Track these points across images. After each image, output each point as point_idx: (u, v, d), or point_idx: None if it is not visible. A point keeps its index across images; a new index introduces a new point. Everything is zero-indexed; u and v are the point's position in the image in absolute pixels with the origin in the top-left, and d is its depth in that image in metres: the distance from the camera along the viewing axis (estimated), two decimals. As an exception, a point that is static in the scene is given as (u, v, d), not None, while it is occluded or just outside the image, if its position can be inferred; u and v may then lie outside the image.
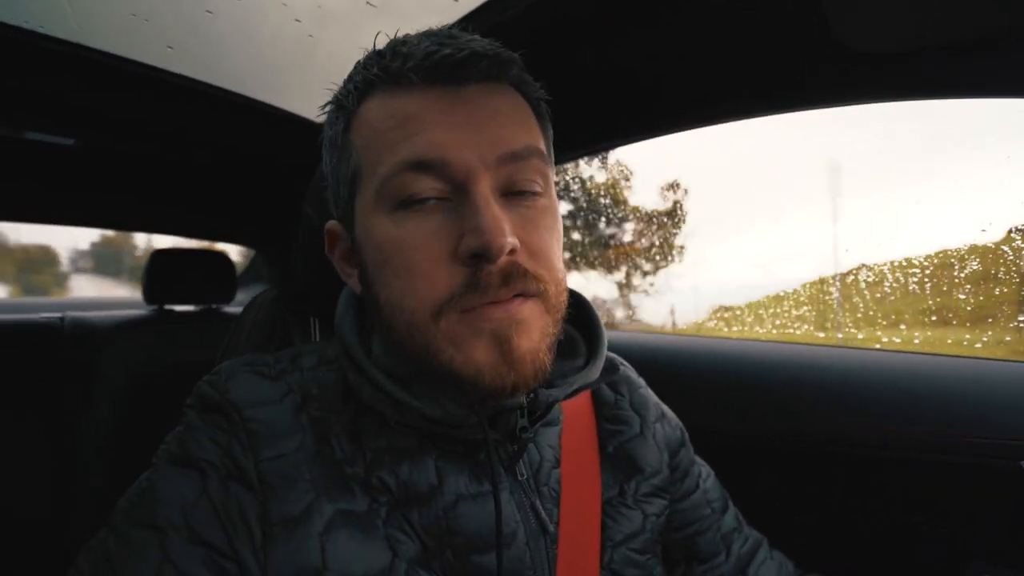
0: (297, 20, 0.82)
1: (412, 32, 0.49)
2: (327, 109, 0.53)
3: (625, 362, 0.68)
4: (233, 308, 1.71)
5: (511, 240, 0.42)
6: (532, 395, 0.47)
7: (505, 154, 0.44)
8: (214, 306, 1.61)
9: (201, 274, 1.54)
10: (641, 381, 0.67)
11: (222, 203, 1.58)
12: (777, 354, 1.02)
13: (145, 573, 0.40)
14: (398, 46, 0.46)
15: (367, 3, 0.76)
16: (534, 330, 0.44)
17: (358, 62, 0.49)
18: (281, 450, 0.44)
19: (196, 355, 1.49)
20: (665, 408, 0.67)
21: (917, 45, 0.57)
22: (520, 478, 0.51)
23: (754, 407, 0.95)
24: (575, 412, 0.59)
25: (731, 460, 0.74)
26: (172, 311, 1.55)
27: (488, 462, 0.46)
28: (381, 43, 0.49)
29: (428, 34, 0.47)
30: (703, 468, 0.67)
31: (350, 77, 0.50)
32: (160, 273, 1.48)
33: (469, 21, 0.78)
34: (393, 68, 0.44)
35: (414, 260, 0.43)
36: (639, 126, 0.95)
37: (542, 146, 0.48)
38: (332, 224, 0.54)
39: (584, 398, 0.61)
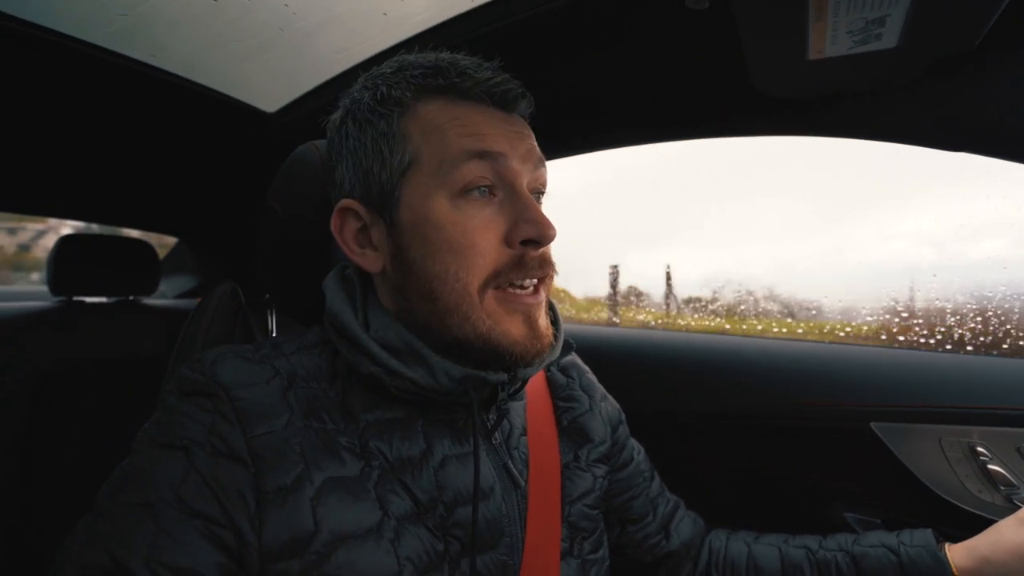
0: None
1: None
2: (358, 93, 0.56)
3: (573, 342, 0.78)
4: (154, 300, 1.60)
5: (555, 231, 0.53)
6: (512, 372, 0.55)
7: (538, 161, 0.56)
8: (132, 298, 1.51)
9: (119, 263, 1.43)
10: (587, 368, 0.78)
11: (154, 191, 1.47)
12: (685, 343, 1.17)
13: (141, 546, 0.41)
14: (458, 66, 0.54)
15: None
16: (545, 310, 0.56)
17: (404, 64, 0.56)
18: (270, 427, 0.47)
19: (110, 351, 1.38)
20: (606, 392, 0.78)
21: (811, 94, 0.76)
22: (494, 442, 0.59)
23: (676, 390, 1.10)
24: (535, 393, 0.69)
25: (654, 437, 0.87)
26: (82, 303, 1.43)
27: (469, 426, 0.55)
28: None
29: (477, 62, 0.55)
30: (636, 444, 0.79)
31: (399, 78, 0.54)
32: (70, 261, 1.36)
33: (430, 35, 0.83)
34: (463, 85, 0.53)
35: (474, 239, 0.51)
36: (591, 140, 1.06)
37: None
38: (349, 203, 0.56)
39: (541, 382, 0.71)
